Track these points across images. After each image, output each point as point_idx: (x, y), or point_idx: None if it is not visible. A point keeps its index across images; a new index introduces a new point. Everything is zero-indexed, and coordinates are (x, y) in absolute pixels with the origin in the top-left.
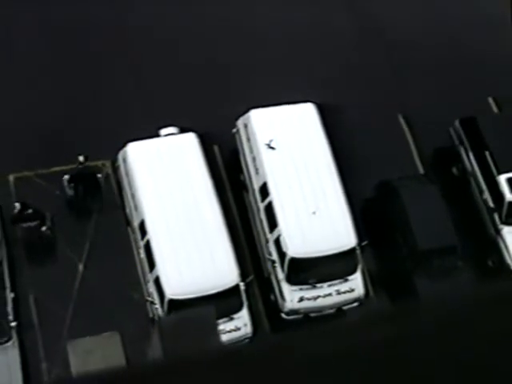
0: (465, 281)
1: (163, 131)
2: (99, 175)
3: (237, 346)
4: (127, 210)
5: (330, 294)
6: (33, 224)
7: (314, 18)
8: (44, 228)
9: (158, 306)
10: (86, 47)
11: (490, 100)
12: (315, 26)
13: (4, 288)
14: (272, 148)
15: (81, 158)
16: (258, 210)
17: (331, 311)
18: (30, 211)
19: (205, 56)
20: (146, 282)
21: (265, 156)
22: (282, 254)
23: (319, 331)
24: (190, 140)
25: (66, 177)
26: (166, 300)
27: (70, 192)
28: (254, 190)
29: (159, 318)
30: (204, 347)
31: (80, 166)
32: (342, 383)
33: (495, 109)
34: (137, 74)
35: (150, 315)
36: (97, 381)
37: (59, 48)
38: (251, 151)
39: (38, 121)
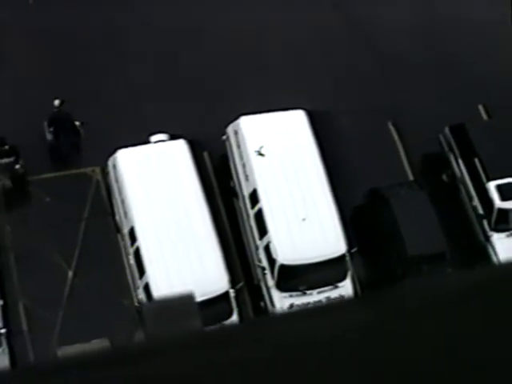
0: None
1: (153, 138)
2: (77, 122)
3: (214, 328)
4: (117, 217)
5: (319, 301)
6: (8, 160)
7: (304, 24)
8: (18, 166)
9: None
10: (81, 51)
11: (480, 107)
12: (306, 32)
13: None
14: (262, 155)
15: (56, 102)
16: (248, 216)
17: None
18: (6, 147)
19: (195, 63)
20: (136, 289)
21: (255, 163)
22: (271, 261)
23: (294, 315)
24: (180, 147)
25: (46, 122)
26: None
27: (49, 137)
28: (243, 197)
29: (142, 304)
30: (185, 330)
31: (55, 110)
32: (317, 368)
33: (485, 116)
34: (127, 81)
35: None
36: (80, 362)
37: (52, 52)
38: (241, 158)
39: (28, 127)
